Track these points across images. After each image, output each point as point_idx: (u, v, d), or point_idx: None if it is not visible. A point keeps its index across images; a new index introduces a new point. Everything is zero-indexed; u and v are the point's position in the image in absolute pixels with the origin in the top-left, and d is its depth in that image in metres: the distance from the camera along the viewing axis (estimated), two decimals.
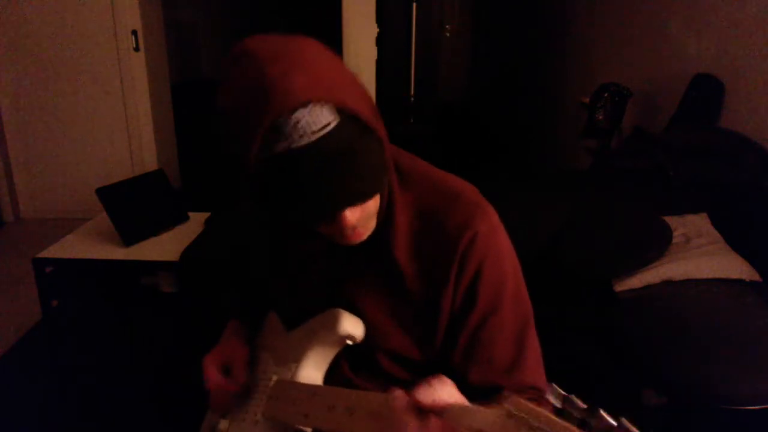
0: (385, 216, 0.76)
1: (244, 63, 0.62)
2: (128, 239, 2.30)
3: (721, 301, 1.65)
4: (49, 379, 2.09)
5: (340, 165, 0.61)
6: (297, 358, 0.82)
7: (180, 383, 0.94)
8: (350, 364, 0.85)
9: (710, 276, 1.72)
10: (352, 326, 0.77)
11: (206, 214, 2.56)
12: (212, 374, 0.91)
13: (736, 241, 1.87)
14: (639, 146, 2.57)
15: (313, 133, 0.59)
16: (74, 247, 2.33)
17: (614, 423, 0.36)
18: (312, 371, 0.81)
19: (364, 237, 0.73)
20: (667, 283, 1.73)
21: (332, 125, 0.60)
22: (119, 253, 2.25)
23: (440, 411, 0.52)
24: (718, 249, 1.84)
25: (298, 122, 0.58)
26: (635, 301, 1.72)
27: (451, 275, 0.77)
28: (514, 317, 0.80)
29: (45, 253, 2.26)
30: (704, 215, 2.02)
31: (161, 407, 1.89)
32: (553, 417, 0.38)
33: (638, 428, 0.35)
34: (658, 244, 1.84)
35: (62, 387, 2.05)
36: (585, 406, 0.38)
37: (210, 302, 1.94)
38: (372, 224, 0.74)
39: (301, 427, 0.76)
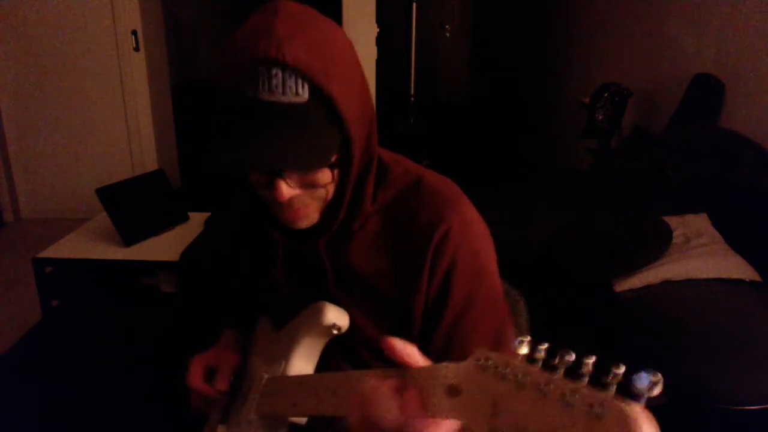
0: (348, 211, 0.75)
1: (265, 10, 0.65)
2: (128, 239, 2.30)
3: (721, 301, 1.65)
4: (49, 379, 2.09)
5: (288, 131, 0.62)
6: (286, 355, 0.82)
7: (180, 383, 0.94)
8: (344, 359, 0.85)
9: (710, 276, 1.72)
10: (336, 316, 0.77)
11: (206, 214, 2.55)
12: (194, 375, 0.91)
13: (736, 241, 1.87)
14: (639, 146, 2.57)
15: (282, 95, 0.61)
16: (74, 247, 2.33)
17: (572, 357, 0.37)
18: (302, 365, 0.81)
19: (305, 221, 0.73)
20: (667, 283, 1.73)
21: (302, 100, 0.62)
22: (119, 253, 2.25)
23: (411, 375, 0.50)
24: (718, 249, 1.84)
25: (273, 77, 0.61)
26: (635, 301, 1.72)
27: (424, 272, 0.75)
28: (492, 315, 0.77)
29: (45, 253, 2.26)
30: (704, 215, 2.02)
31: (161, 407, 1.89)
32: (522, 363, 0.39)
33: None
34: (658, 245, 1.84)
35: (62, 387, 2.04)
36: (546, 346, 0.39)
37: (207, 304, 1.94)
38: (314, 209, 0.73)
39: (293, 419, 0.76)
